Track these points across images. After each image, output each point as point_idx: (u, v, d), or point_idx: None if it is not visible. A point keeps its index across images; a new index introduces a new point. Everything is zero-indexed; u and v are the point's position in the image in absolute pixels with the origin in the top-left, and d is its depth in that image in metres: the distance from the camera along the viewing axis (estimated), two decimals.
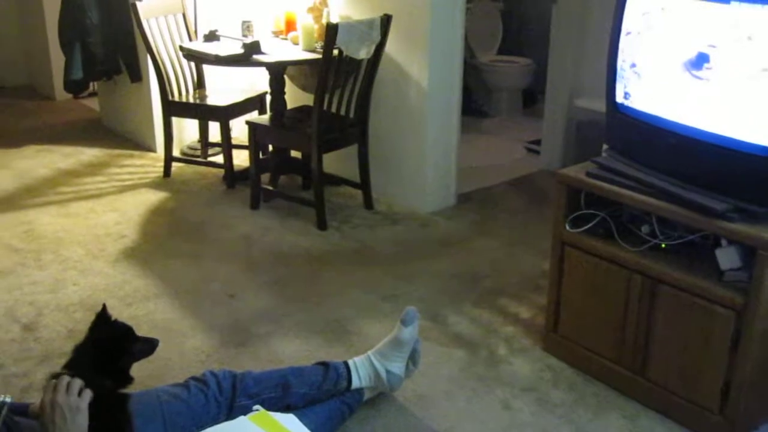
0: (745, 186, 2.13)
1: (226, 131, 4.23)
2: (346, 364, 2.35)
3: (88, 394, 1.66)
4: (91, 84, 5.33)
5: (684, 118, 2.26)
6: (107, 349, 1.85)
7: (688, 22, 2.20)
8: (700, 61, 2.18)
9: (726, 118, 2.14)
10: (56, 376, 1.72)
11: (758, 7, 2.00)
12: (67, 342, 2.77)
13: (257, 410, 1.73)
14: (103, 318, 1.91)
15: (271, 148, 4.28)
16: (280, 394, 2.19)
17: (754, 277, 2.11)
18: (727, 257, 2.22)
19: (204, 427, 1.81)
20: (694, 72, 2.20)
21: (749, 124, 2.08)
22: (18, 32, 6.17)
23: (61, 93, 5.63)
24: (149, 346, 1.99)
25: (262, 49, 3.81)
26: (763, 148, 2.05)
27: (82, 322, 2.91)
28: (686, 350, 2.32)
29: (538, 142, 4.81)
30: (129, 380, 1.88)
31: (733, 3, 2.06)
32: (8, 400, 1.63)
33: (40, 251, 3.50)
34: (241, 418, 1.70)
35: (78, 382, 1.67)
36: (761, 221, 2.11)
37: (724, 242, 2.23)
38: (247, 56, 3.76)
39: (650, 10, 2.32)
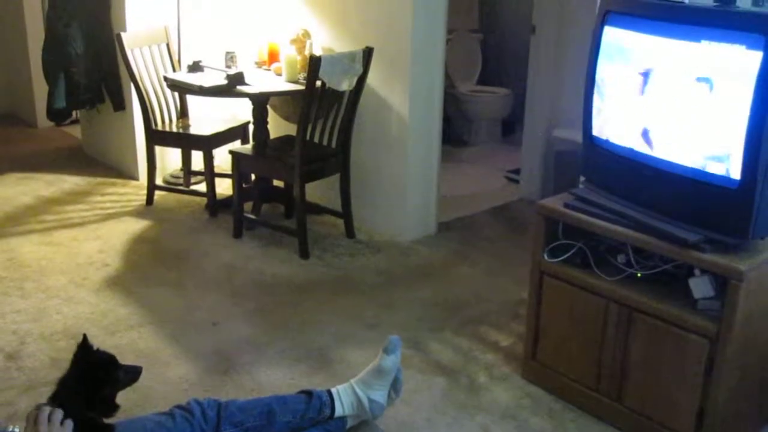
0: (716, 217, 2.20)
1: (209, 160, 4.26)
2: (329, 392, 2.37)
3: (69, 425, 1.66)
4: (73, 112, 5.34)
5: (657, 151, 2.33)
6: (90, 378, 1.85)
7: (660, 59, 2.28)
8: (672, 95, 2.26)
9: (698, 152, 2.21)
10: (40, 408, 1.73)
11: (727, 46, 2.08)
12: (50, 371, 2.78)
13: None
14: (84, 348, 1.92)
15: (253, 177, 4.32)
16: (264, 422, 2.20)
17: (726, 306, 2.17)
18: (700, 286, 2.28)
19: None
20: (667, 106, 2.28)
21: (719, 157, 2.15)
22: (0, 59, 6.18)
23: (43, 120, 5.63)
24: (133, 374, 2.00)
25: (246, 80, 3.87)
26: (733, 181, 2.12)
27: (66, 351, 2.91)
28: (662, 377, 2.37)
29: (517, 171, 4.88)
30: (114, 408, 1.89)
31: (703, 42, 2.14)
32: (17, 430, 1.64)
33: (22, 280, 3.50)
34: None
35: (59, 412, 1.67)
36: (732, 252, 2.18)
37: (697, 272, 2.29)
38: (231, 87, 3.81)
39: (624, 47, 2.40)
